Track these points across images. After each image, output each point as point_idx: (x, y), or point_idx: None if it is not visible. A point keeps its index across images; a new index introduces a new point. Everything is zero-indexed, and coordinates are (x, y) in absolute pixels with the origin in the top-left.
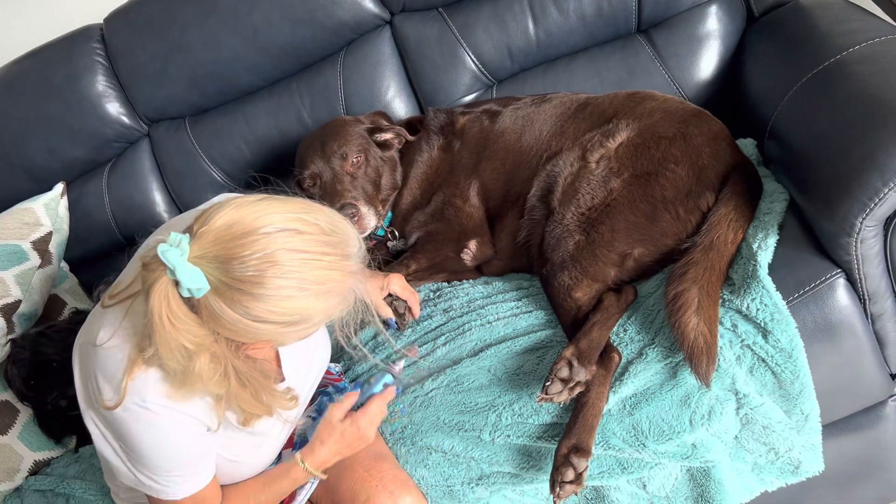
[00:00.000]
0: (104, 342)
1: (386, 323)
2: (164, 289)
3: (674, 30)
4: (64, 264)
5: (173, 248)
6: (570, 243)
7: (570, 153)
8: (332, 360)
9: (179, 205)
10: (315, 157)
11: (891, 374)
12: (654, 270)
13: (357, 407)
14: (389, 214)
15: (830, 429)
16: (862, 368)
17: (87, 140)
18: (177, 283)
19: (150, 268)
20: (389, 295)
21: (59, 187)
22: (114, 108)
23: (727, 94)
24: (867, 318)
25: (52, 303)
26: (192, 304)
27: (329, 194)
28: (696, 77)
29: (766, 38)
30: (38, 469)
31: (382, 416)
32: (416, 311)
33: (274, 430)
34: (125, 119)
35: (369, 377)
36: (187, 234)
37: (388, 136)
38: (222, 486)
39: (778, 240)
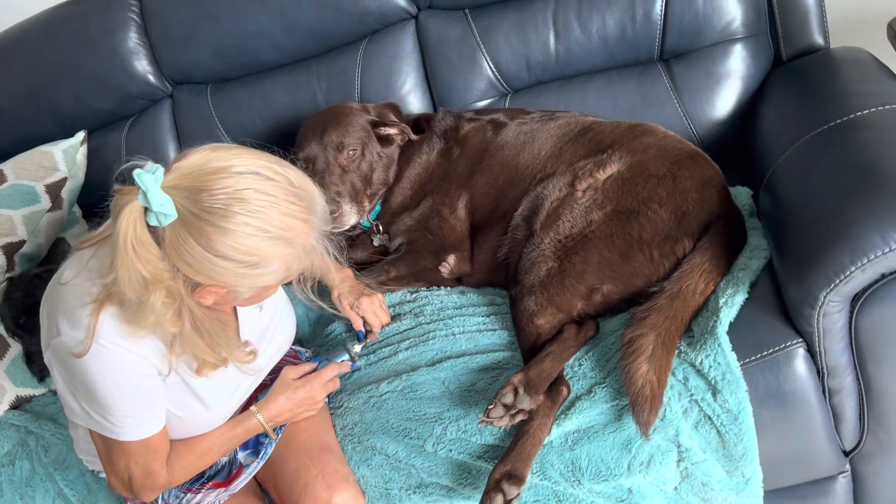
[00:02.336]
0: (69, 280)
1: (356, 334)
2: (133, 213)
3: (694, 63)
4: (77, 209)
5: (148, 173)
6: (542, 269)
7: (562, 178)
8: (302, 347)
9: None
10: (312, 141)
11: (844, 451)
12: (621, 309)
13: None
14: (378, 207)
15: (776, 495)
16: (812, 441)
17: (113, 93)
18: (146, 211)
19: (122, 192)
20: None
21: (81, 135)
22: (142, 65)
23: (738, 136)
24: (823, 392)
25: (58, 246)
26: (157, 235)
27: (317, 180)
28: (709, 115)
29: (786, 84)
30: (19, 404)
31: (335, 387)
32: (374, 337)
33: (224, 398)
34: (151, 77)
35: (327, 356)
36: (162, 167)
37: (392, 131)
38: (173, 441)
39: (747, 298)
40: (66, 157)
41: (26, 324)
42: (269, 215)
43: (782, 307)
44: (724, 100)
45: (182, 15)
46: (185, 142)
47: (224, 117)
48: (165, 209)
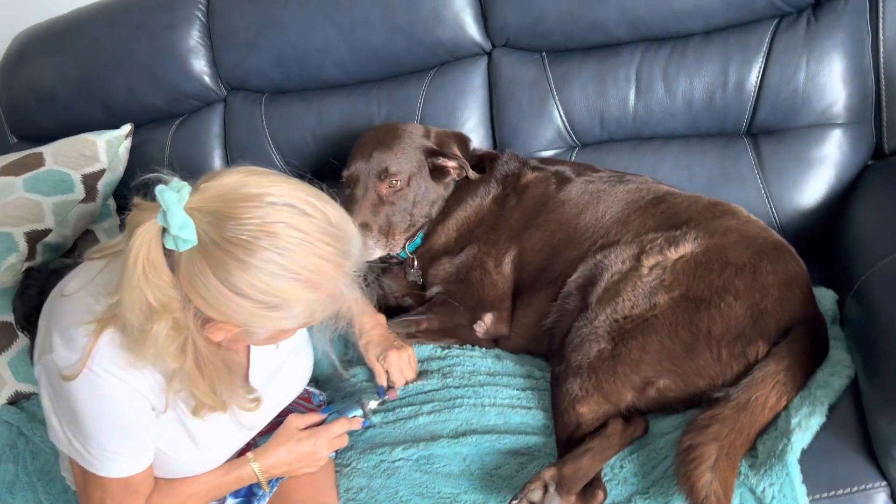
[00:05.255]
0: (72, 292)
1: (376, 389)
2: (149, 232)
3: (785, 143)
4: (112, 202)
5: (172, 191)
6: (593, 349)
7: (626, 249)
8: (318, 388)
9: None
10: (360, 159)
11: None
12: (676, 408)
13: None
14: (418, 240)
15: None
16: None
17: (167, 89)
18: (164, 232)
19: (142, 207)
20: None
21: (127, 128)
22: (199, 65)
23: (824, 229)
24: None
25: (85, 238)
26: (171, 260)
27: (351, 205)
28: (795, 201)
29: (887, 180)
30: (17, 399)
31: (342, 444)
32: (393, 395)
33: (219, 442)
34: (207, 79)
35: (339, 407)
36: (189, 185)
37: (449, 164)
38: (157, 479)
39: (824, 423)
40: (109, 148)
41: (38, 321)
42: (299, 255)
43: (866, 440)
44: (814, 187)
45: (248, 19)
46: (232, 150)
47: (275, 130)
48: (185, 234)
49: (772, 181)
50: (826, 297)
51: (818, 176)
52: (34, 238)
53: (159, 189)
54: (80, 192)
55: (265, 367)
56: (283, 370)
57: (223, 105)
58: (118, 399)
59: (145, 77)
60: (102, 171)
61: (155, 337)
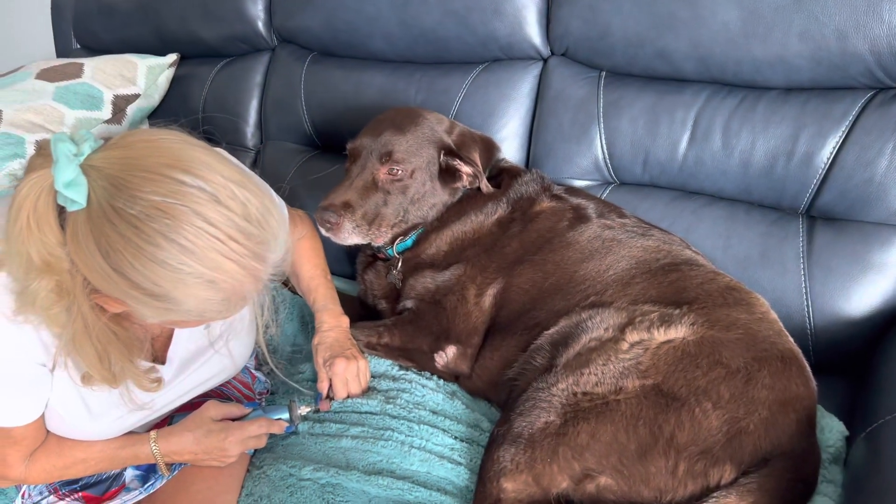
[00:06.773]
0: None
1: (313, 395)
2: (41, 182)
3: (845, 236)
4: (146, 127)
5: (68, 142)
6: (540, 418)
7: (615, 315)
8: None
9: (265, 133)
10: (369, 135)
11: None
12: None
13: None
14: (409, 241)
15: None
16: None
17: (218, 27)
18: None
19: (42, 153)
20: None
21: (172, 57)
22: (256, 8)
23: (864, 346)
24: None
25: None
26: (63, 217)
27: (343, 181)
28: (839, 306)
29: None
30: None
31: (258, 445)
32: (326, 406)
33: (115, 415)
34: (259, 24)
35: (268, 404)
36: (100, 140)
37: (463, 169)
38: (49, 436)
39: None
40: (150, 74)
41: None
42: (197, 246)
43: None
44: (866, 296)
45: None
46: (267, 104)
47: (310, 94)
48: (72, 193)
49: (817, 276)
50: (832, 430)
51: (874, 283)
52: None
53: (54, 137)
54: (106, 112)
55: (190, 343)
56: (209, 351)
57: (270, 55)
58: (4, 343)
59: (199, 9)
60: (136, 96)
61: (34, 294)
